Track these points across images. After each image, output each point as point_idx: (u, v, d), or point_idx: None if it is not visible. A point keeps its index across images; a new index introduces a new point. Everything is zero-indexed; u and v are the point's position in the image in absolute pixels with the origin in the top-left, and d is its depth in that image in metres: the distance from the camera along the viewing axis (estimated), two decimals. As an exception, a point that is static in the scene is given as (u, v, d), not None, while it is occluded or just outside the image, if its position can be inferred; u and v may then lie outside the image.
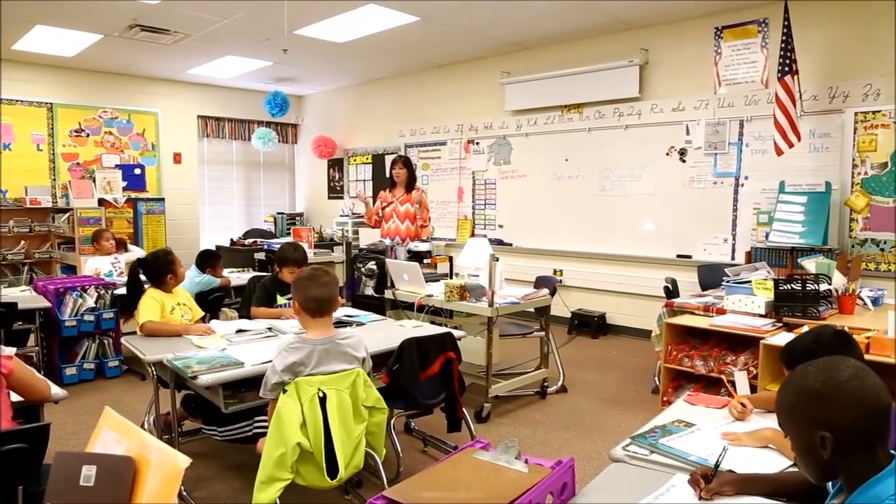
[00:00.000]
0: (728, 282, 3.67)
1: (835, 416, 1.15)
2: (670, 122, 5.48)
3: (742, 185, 5.13)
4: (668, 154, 5.54)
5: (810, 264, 3.66)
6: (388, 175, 5.33)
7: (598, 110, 5.96)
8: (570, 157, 6.21)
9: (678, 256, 5.49)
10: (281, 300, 3.49)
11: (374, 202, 5.38)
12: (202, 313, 3.40)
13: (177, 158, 8.25)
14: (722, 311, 3.58)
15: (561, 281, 6.13)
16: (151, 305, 3.08)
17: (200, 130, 8.50)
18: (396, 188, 5.21)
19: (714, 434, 1.86)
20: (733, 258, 5.14)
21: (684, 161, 5.44)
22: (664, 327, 3.62)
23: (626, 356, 5.18)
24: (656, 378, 4.01)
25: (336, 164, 9.02)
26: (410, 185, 5.13)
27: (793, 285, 3.35)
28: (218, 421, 2.62)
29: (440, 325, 3.67)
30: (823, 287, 3.39)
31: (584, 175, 6.11)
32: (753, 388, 3.01)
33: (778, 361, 2.99)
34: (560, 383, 4.28)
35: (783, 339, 3.04)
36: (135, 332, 3.07)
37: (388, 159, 7.97)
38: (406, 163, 5.16)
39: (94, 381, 4.44)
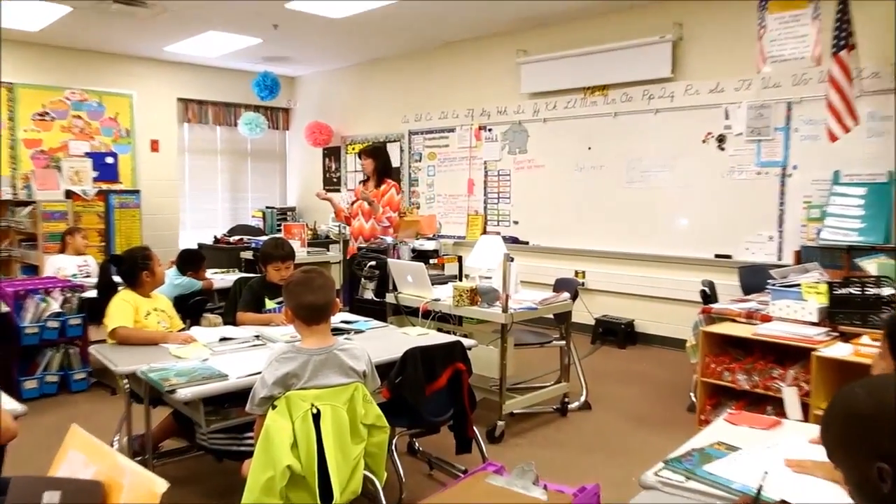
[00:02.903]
0: (774, 285, 3.65)
1: (893, 444, 1.11)
2: (707, 105, 5.48)
3: (790, 175, 5.10)
4: (704, 141, 5.52)
5: (870, 265, 3.62)
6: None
7: (626, 93, 5.96)
8: (594, 145, 6.22)
9: (717, 256, 5.49)
10: (270, 304, 3.50)
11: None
12: (181, 325, 3.39)
13: (154, 146, 8.29)
14: (767, 319, 3.56)
15: (583, 284, 6.15)
16: (123, 308, 3.06)
17: (181, 115, 8.54)
18: (368, 182, 5.28)
19: (763, 458, 1.82)
20: (780, 258, 5.13)
21: (723, 149, 5.43)
22: (701, 336, 3.60)
23: (658, 369, 5.18)
24: (692, 394, 4.00)
25: (332, 154, 9.05)
26: (381, 177, 5.17)
27: (850, 289, 3.31)
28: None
29: (448, 332, 3.68)
30: (886, 291, 3.35)
31: (610, 165, 6.11)
32: (805, 407, 2.97)
33: (833, 376, 2.96)
34: (583, 399, 4.27)
35: (839, 350, 3.00)
36: (104, 341, 3.05)
37: (391, 148, 8.01)
38: (373, 152, 5.21)
39: (57, 395, 4.44)
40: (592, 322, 6.03)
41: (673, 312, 5.71)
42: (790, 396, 2.43)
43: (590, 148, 6.24)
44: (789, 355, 3.34)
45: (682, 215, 5.70)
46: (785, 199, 5.13)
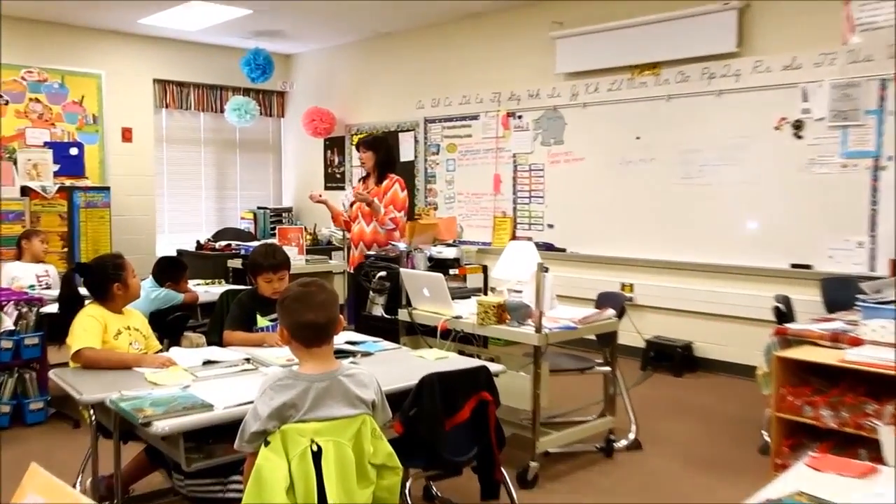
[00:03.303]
0: (865, 301, 3.65)
1: None
2: (781, 84, 5.46)
3: (884, 168, 5.07)
4: (777, 128, 5.50)
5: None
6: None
7: (682, 71, 5.95)
8: (644, 134, 6.21)
9: (793, 266, 5.47)
10: (263, 321, 3.51)
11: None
12: (159, 345, 3.41)
13: (126, 135, 8.38)
14: (857, 342, 3.51)
15: (631, 299, 6.14)
16: (90, 326, 3.05)
17: (158, 99, 8.63)
18: (369, 178, 5.34)
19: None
20: (872, 269, 5.11)
21: (801, 137, 5.40)
22: (775, 363, 3.58)
23: (722, 401, 5.17)
24: (765, 433, 3.97)
25: (335, 145, 9.11)
26: (383, 172, 5.23)
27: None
28: (185, 475, 2.64)
29: (471, 356, 3.70)
30: None
31: (662, 158, 6.11)
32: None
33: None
34: (632, 437, 4.25)
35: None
36: (67, 364, 3.06)
37: (404, 138, 8.08)
38: (372, 144, 5.29)
39: (10, 428, 4.46)
40: (642, 344, 5.99)
41: (740, 333, 5.68)
42: (888, 438, 2.37)
43: (638, 138, 6.23)
44: (886, 387, 3.28)
45: (751, 217, 5.68)
46: (878, 198, 5.08)
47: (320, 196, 5.57)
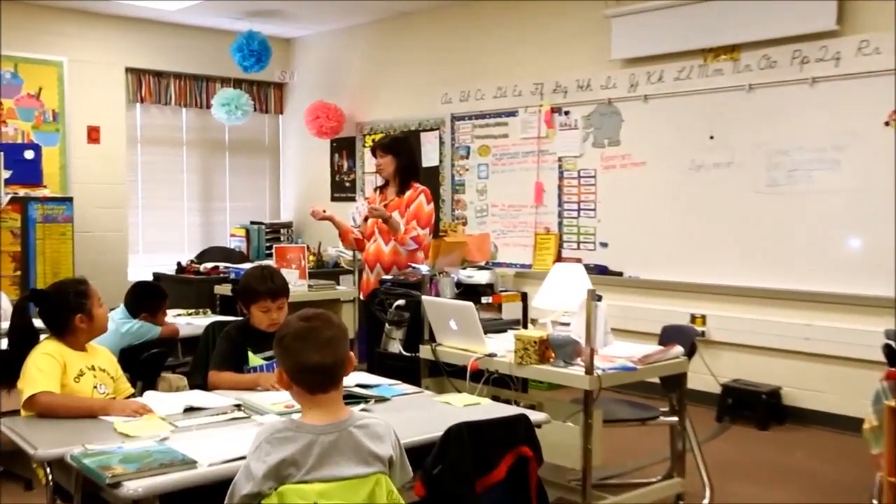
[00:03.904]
0: None
1: None
2: (892, 70, 5.40)
3: None
4: (887, 123, 5.47)
5: None
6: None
7: (766, 55, 5.93)
8: (719, 132, 6.20)
9: (907, 295, 5.41)
10: (256, 360, 3.51)
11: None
12: (130, 389, 3.40)
13: (93, 135, 8.44)
14: None
15: (704, 334, 6.12)
16: (47, 366, 3.05)
17: (131, 92, 8.69)
18: (388, 188, 5.38)
19: None
20: None
21: (917, 135, 5.38)
22: (887, 414, 3.50)
23: (819, 461, 5.13)
24: (875, 502, 3.91)
25: (344, 147, 9.15)
26: (406, 180, 5.26)
27: None
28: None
29: (508, 402, 3.69)
30: None
31: (742, 162, 6.09)
32: None
33: None
34: (706, 502, 4.23)
35: None
36: (18, 412, 3.05)
37: (427, 139, 8.08)
38: (392, 146, 5.35)
39: (-53, 489, 4.49)
40: (718, 390, 5.98)
41: (841, 377, 5.62)
42: None
43: (712, 137, 6.22)
44: None
45: (854, 233, 5.66)
46: None
47: (324, 212, 5.60)
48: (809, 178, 5.78)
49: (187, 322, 5.08)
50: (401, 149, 5.38)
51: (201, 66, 8.97)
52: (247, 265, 6.78)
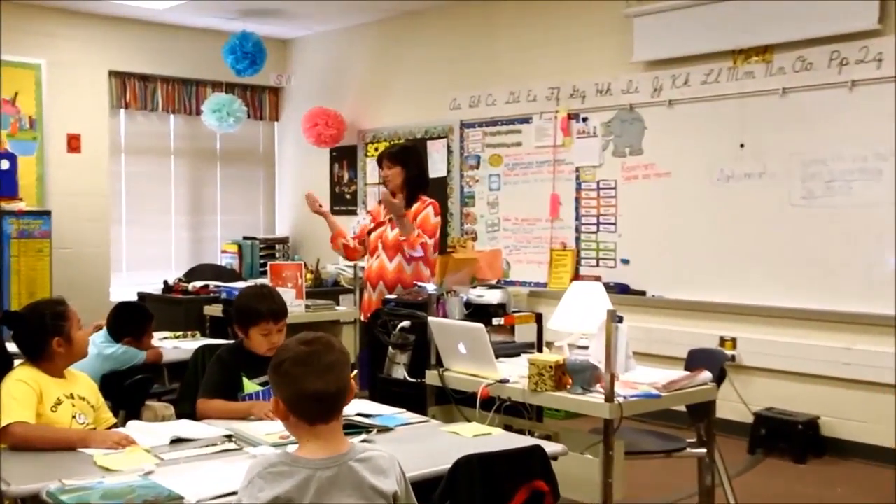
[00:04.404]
0: None
1: None
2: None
3: None
4: (933, 132, 5.44)
5: None
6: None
7: (802, 56, 5.91)
8: (750, 140, 6.18)
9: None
10: (251, 386, 3.50)
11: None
12: (112, 419, 3.42)
13: (73, 144, 8.41)
14: None
15: (734, 358, 6.11)
16: (22, 394, 3.02)
17: (115, 97, 8.69)
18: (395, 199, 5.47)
19: None
20: None
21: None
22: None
23: (861, 496, 5.11)
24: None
25: (345, 157, 9.22)
26: (414, 193, 5.28)
27: None
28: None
29: (521, 432, 3.75)
30: None
31: (775, 172, 6.07)
32: None
33: None
34: (738, 543, 4.24)
35: None
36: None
37: (434, 147, 8.10)
38: (400, 156, 5.34)
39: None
40: (750, 419, 5.97)
41: (883, 406, 5.55)
42: None
43: (742, 145, 6.19)
44: None
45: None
46: None
47: (321, 206, 5.64)
48: (849, 190, 5.75)
49: (174, 346, 5.10)
50: (410, 159, 5.36)
51: (191, 70, 9.00)
52: (239, 284, 6.86)
